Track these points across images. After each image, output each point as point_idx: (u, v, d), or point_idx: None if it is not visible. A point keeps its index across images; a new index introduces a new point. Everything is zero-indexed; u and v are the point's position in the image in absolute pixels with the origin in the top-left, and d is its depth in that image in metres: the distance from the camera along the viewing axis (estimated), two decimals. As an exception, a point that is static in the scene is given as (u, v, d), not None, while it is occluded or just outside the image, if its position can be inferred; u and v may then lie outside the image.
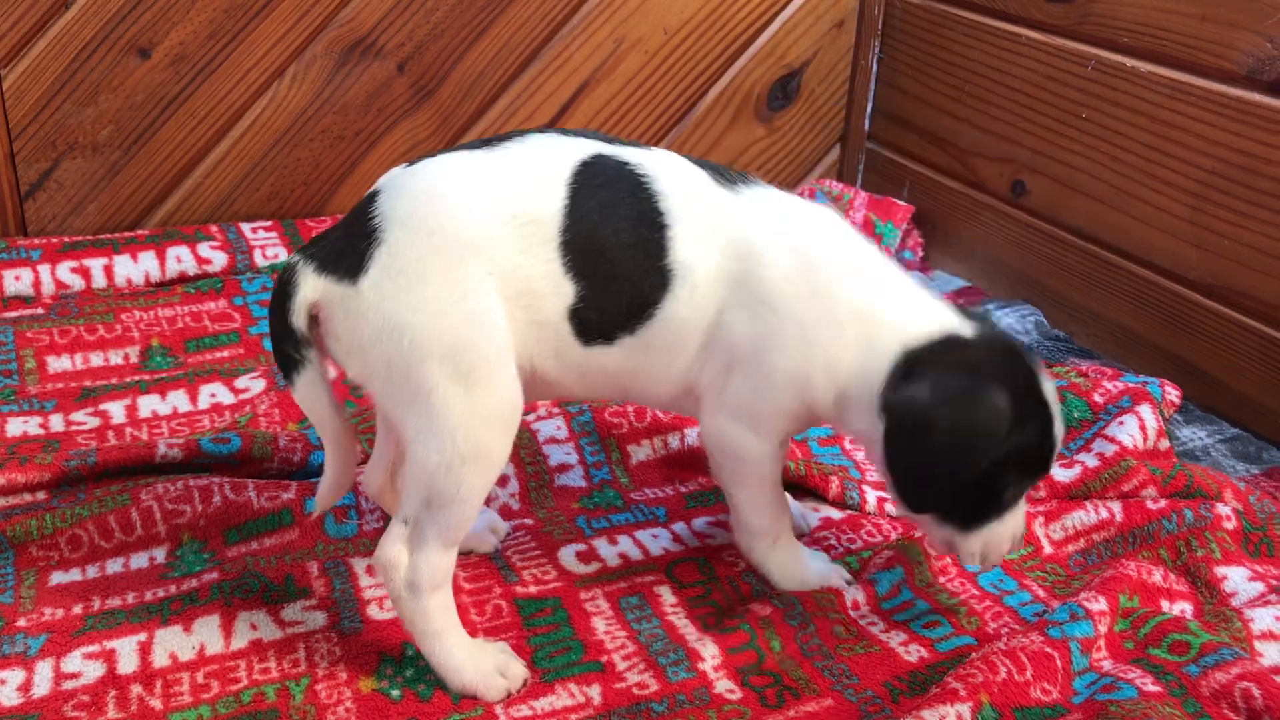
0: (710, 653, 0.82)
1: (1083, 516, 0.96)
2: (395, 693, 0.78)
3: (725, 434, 0.83)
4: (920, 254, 1.58)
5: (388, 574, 0.76)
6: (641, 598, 0.89)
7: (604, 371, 0.81)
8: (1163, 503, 0.96)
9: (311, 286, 0.74)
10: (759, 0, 1.55)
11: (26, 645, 0.81)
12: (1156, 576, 0.90)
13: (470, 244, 0.75)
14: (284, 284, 0.75)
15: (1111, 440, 1.02)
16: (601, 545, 0.94)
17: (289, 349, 0.75)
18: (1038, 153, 1.39)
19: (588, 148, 0.80)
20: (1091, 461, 1.00)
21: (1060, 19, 1.33)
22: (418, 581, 0.76)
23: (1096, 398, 1.08)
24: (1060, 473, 0.99)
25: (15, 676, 0.78)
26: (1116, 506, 0.96)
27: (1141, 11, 1.23)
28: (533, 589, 0.89)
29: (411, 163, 0.79)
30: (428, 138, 1.46)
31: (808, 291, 0.79)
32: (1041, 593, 0.91)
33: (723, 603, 0.89)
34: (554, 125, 1.51)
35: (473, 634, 0.84)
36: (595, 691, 0.79)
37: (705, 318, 0.80)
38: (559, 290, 0.77)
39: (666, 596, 0.89)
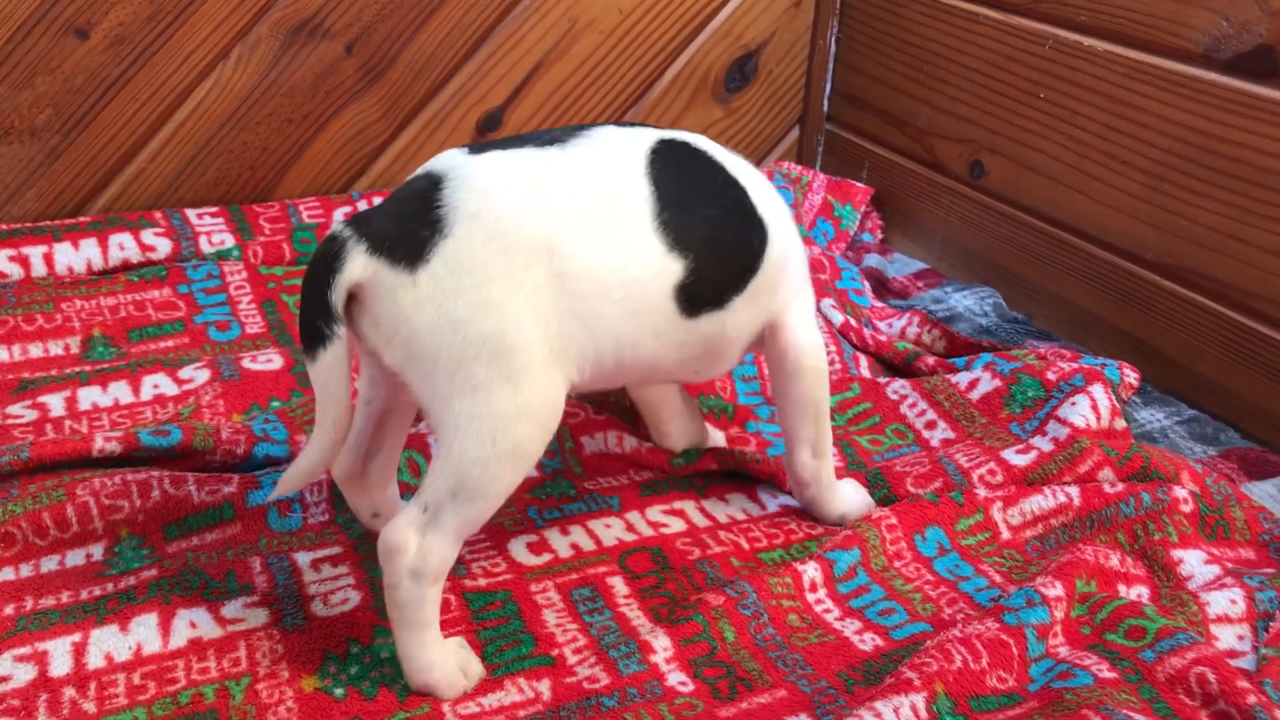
0: (662, 644, 0.80)
1: (1040, 501, 0.95)
2: (339, 691, 0.76)
3: (814, 338, 0.91)
4: (879, 236, 1.57)
5: (392, 558, 0.74)
6: (593, 589, 0.87)
7: (705, 337, 0.85)
8: (1120, 486, 0.95)
9: (361, 266, 0.72)
10: (715, -21, 1.53)
11: (-46, 648, 0.78)
12: (1114, 560, 0.90)
13: (541, 247, 0.75)
14: (329, 257, 0.72)
15: (1063, 422, 1.01)
16: (553, 536, 0.93)
17: (320, 324, 0.72)
18: (996, 133, 1.38)
19: (647, 136, 0.83)
20: (1046, 446, 0.99)
21: (1018, -2, 1.32)
22: (424, 569, 0.73)
23: (1049, 375, 1.07)
24: (1016, 457, 0.99)
25: (-57, 681, 0.75)
26: (1074, 491, 0.95)
27: (1098, -10, 1.22)
28: (482, 582, 0.87)
29: (472, 149, 0.78)
30: (377, 120, 1.43)
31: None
32: (998, 578, 0.90)
33: (676, 593, 0.87)
34: (507, 107, 1.48)
35: (420, 629, 0.82)
36: (545, 686, 0.78)
37: (790, 247, 0.90)
38: (662, 272, 0.80)
39: (619, 587, 0.87)
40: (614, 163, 0.81)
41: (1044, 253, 1.34)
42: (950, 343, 1.24)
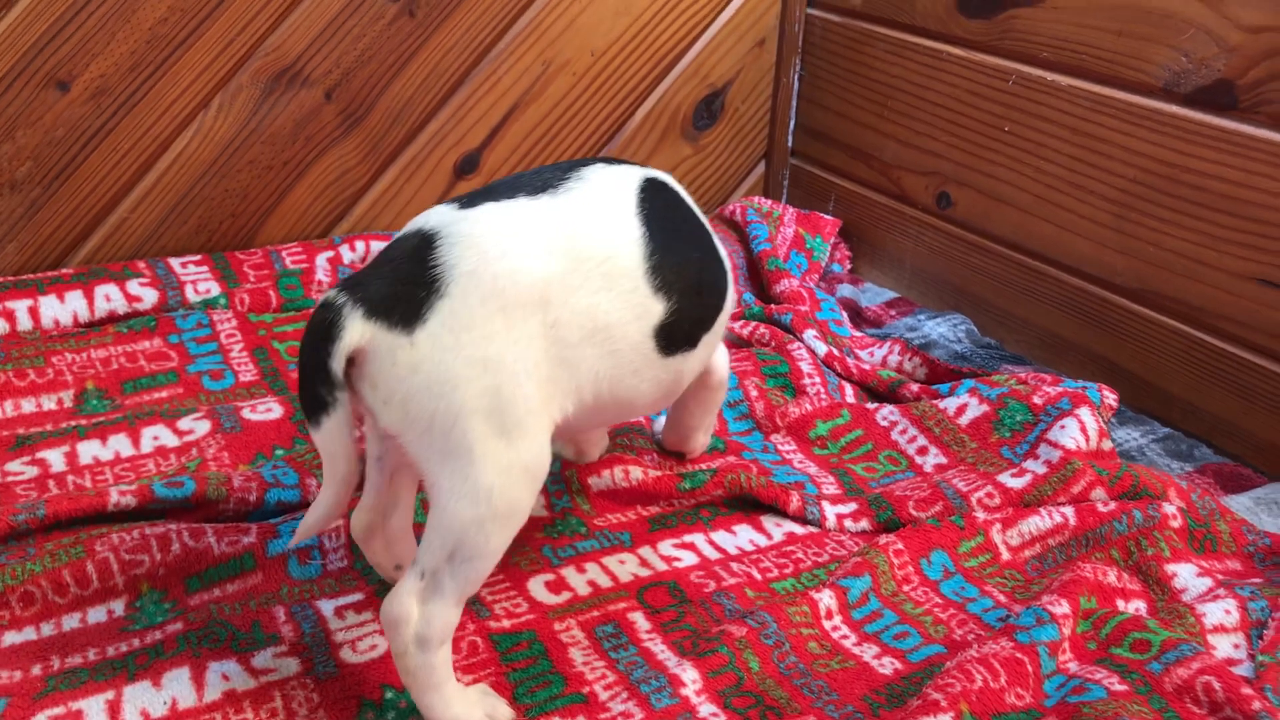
0: (691, 677, 0.82)
1: (1038, 522, 0.99)
2: (378, 737, 0.77)
3: (726, 358, 1.03)
4: (848, 267, 1.61)
5: (396, 628, 0.74)
6: (616, 625, 0.89)
7: (677, 374, 0.89)
8: (1113, 505, 0.99)
9: (359, 331, 0.72)
10: (684, 21, 1.57)
11: (-13, 711, 0.78)
12: (1111, 577, 0.93)
13: (538, 300, 0.75)
14: (327, 324, 0.72)
15: (1055, 445, 1.05)
16: (570, 574, 0.94)
17: (322, 391, 0.72)
18: (962, 165, 1.43)
19: (633, 175, 0.86)
20: (1040, 468, 1.03)
21: (980, 35, 1.37)
22: (429, 636, 0.74)
23: (1036, 400, 1.11)
24: (1012, 480, 1.02)
25: (-22, 744, 0.75)
26: (1069, 511, 0.99)
27: (1060, 27, 1.27)
28: (506, 623, 0.88)
29: (463, 203, 0.78)
30: (357, 164, 1.44)
31: None
32: (1002, 598, 0.94)
33: (697, 626, 0.89)
34: (484, 149, 1.50)
35: (451, 672, 0.83)
36: (580, 724, 0.79)
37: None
38: (645, 313, 0.82)
39: (640, 623, 0.89)
40: (606, 206, 0.82)
41: (1013, 279, 1.38)
42: (931, 370, 1.28)
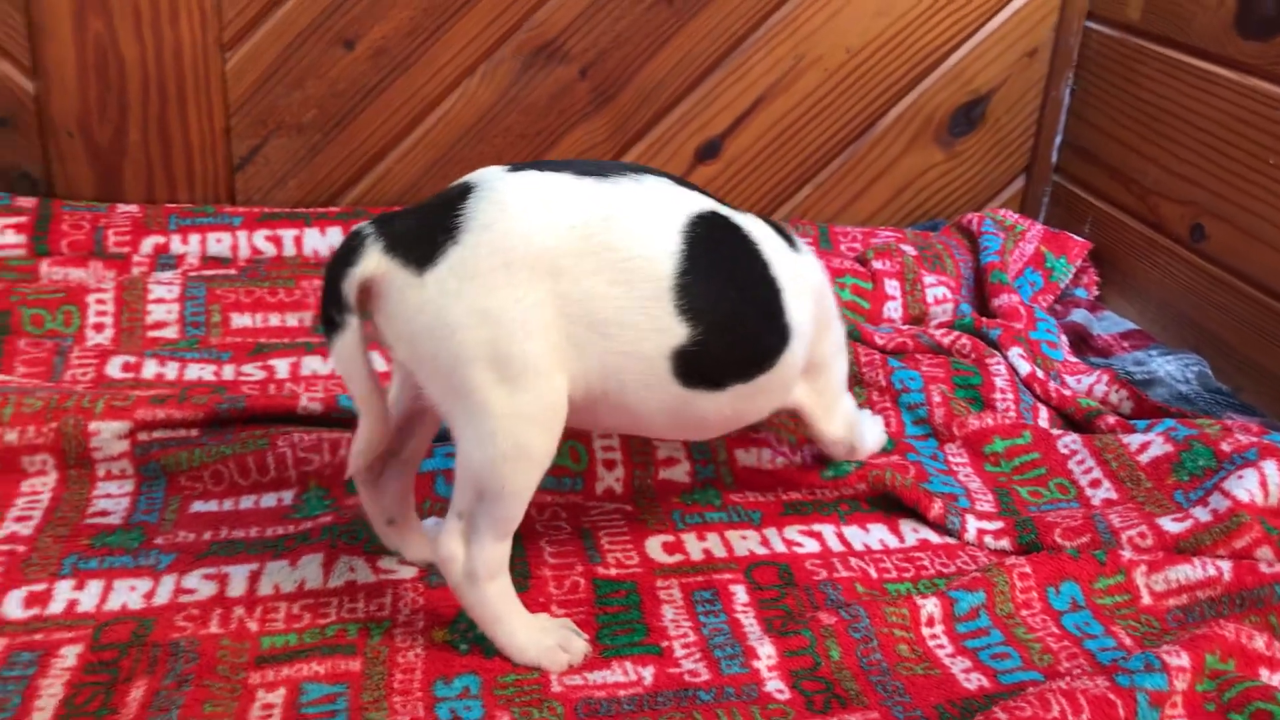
0: (766, 652, 0.84)
1: (1188, 571, 0.92)
2: (463, 646, 0.84)
3: (836, 435, 1.02)
4: (1094, 292, 1.53)
5: (447, 567, 0.81)
6: (715, 593, 0.91)
7: (698, 412, 0.86)
8: (1278, 566, 0.91)
9: (375, 262, 0.76)
10: (948, 24, 1.54)
11: (158, 560, 0.91)
12: (1258, 642, 0.86)
13: (547, 267, 0.76)
14: (349, 251, 0.76)
15: (1226, 495, 0.97)
16: (689, 539, 0.98)
17: (333, 312, 0.77)
18: (1220, 197, 1.33)
19: (702, 202, 0.84)
20: (1204, 516, 0.96)
21: (1255, 58, 1.27)
22: (475, 572, 0.80)
23: (1224, 446, 1.03)
24: (1170, 524, 0.96)
25: (143, 585, 0.88)
26: (1226, 565, 0.92)
27: (1339, 54, 1.16)
28: (613, 571, 0.93)
29: (515, 166, 0.81)
30: (604, 140, 1.52)
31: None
32: (1129, 641, 0.89)
33: (794, 608, 0.90)
34: (726, 136, 1.54)
35: (547, 606, 0.88)
36: (648, 672, 0.82)
37: (806, 356, 0.93)
38: (663, 328, 0.80)
39: (740, 595, 0.91)
40: (650, 210, 0.81)
41: (1259, 324, 1.28)
42: (1138, 405, 1.21)
